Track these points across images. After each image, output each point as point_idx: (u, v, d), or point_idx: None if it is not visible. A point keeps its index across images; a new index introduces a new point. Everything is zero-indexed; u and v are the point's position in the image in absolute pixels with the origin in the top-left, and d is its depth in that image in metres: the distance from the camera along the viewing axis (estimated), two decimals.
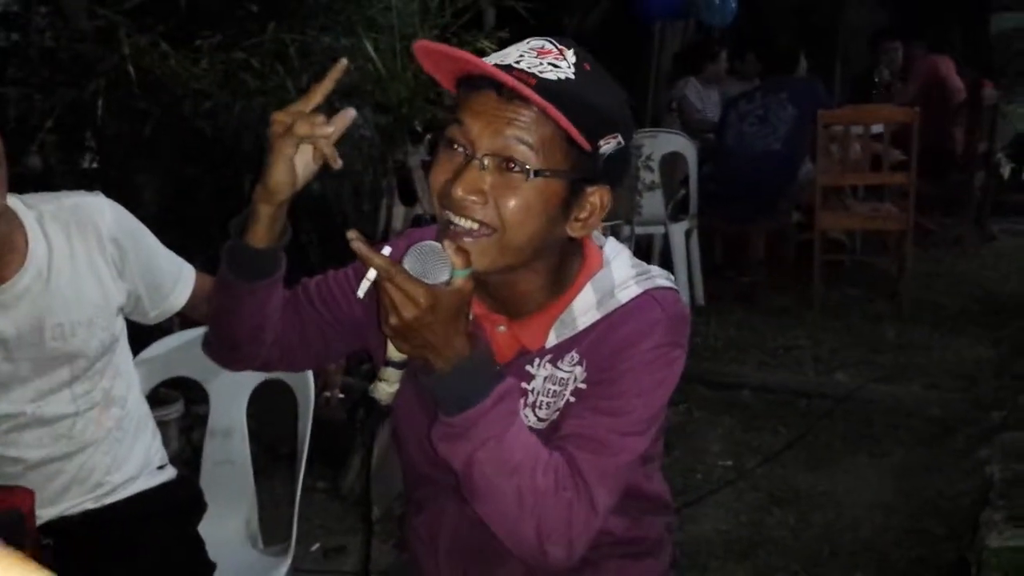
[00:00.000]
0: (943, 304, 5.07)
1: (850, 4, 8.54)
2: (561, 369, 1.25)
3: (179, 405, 2.92)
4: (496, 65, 1.13)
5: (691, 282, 5.07)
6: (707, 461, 3.43)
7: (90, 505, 1.75)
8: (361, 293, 1.13)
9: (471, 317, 1.20)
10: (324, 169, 1.24)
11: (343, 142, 1.23)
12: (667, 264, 5.10)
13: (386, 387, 1.20)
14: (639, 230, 4.84)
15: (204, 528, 1.89)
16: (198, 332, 2.05)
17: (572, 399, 1.24)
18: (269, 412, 2.39)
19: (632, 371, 1.21)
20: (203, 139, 3.10)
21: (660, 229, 5.06)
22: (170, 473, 1.89)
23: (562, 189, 1.16)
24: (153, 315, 1.84)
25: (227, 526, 2.05)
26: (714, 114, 6.04)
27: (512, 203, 1.13)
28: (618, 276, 1.26)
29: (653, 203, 4.84)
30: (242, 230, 1.24)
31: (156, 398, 2.89)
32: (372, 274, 1.10)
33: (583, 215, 1.20)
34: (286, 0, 3.20)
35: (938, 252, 6.01)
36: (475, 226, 1.14)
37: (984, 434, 3.46)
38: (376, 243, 1.17)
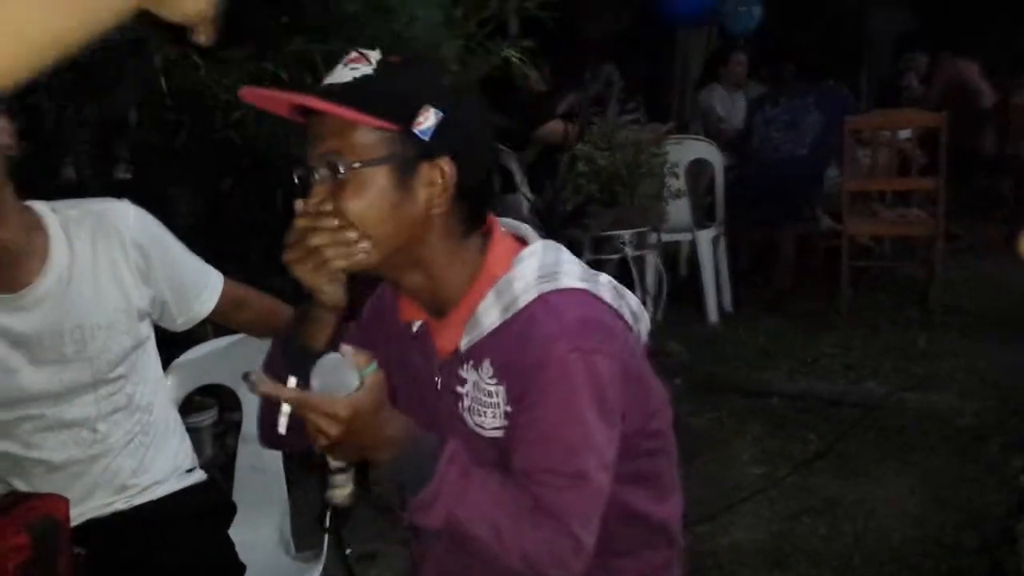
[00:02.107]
0: (973, 310, 5.01)
1: (876, 10, 8.49)
2: (483, 379, 1.26)
3: (213, 412, 2.94)
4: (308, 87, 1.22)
5: (719, 289, 5.05)
6: (737, 469, 3.40)
7: (120, 506, 1.76)
8: (282, 429, 1.16)
9: (421, 325, 1.30)
10: None
11: None
12: (695, 271, 5.10)
13: (341, 492, 1.23)
14: (666, 237, 4.83)
15: (237, 533, 1.90)
16: (231, 339, 2.09)
17: (506, 422, 1.25)
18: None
19: (549, 385, 1.19)
20: (233, 149, 3.13)
21: (687, 236, 5.04)
22: (199, 476, 1.90)
23: (390, 174, 1.20)
24: (180, 322, 1.85)
25: (260, 531, 2.07)
26: (740, 120, 6.03)
27: (348, 205, 1.19)
28: (520, 277, 1.25)
29: (679, 210, 4.82)
30: (299, 332, 1.29)
31: (190, 404, 2.92)
32: (286, 408, 1.15)
33: (428, 191, 1.22)
34: (313, 13, 3.23)
35: (966, 257, 5.93)
36: (346, 258, 1.20)
37: (1018, 443, 3.41)
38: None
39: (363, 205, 1.19)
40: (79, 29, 0.63)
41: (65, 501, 1.56)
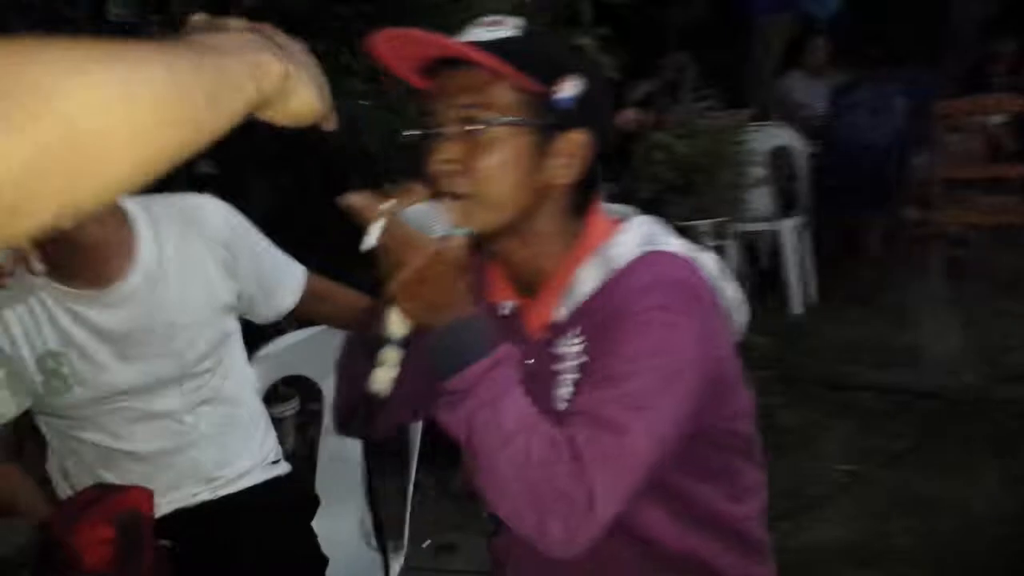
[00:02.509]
0: None
1: None
2: (568, 345, 1.22)
3: (295, 402, 2.97)
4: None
5: (804, 280, 4.93)
6: (825, 466, 3.31)
7: (206, 496, 1.77)
8: (374, 240, 1.10)
9: (512, 306, 1.27)
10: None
11: None
12: (777, 261, 4.98)
13: (385, 372, 1.19)
14: (747, 227, 4.72)
15: (320, 524, 1.90)
16: (312, 331, 2.10)
17: (580, 375, 1.19)
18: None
19: (624, 334, 1.14)
20: (311, 142, 3.15)
21: (769, 226, 4.93)
22: (284, 468, 1.91)
23: (528, 137, 1.18)
24: (266, 314, 1.86)
25: (342, 523, 2.06)
26: (822, 106, 5.87)
27: (483, 161, 1.17)
28: (623, 242, 1.22)
29: (761, 199, 4.71)
30: (378, 321, 1.24)
31: (274, 395, 2.95)
32: (377, 226, 1.10)
33: (560, 161, 1.20)
34: (392, 3, 3.23)
35: None
36: (456, 198, 1.17)
37: None
38: None
39: (496, 163, 1.17)
40: (194, 140, 0.63)
41: (149, 493, 1.57)
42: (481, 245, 1.21)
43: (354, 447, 2.12)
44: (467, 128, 1.17)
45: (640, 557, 1.26)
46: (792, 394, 3.84)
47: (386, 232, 1.10)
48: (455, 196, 1.17)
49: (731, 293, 1.27)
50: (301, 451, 2.80)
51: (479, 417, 1.10)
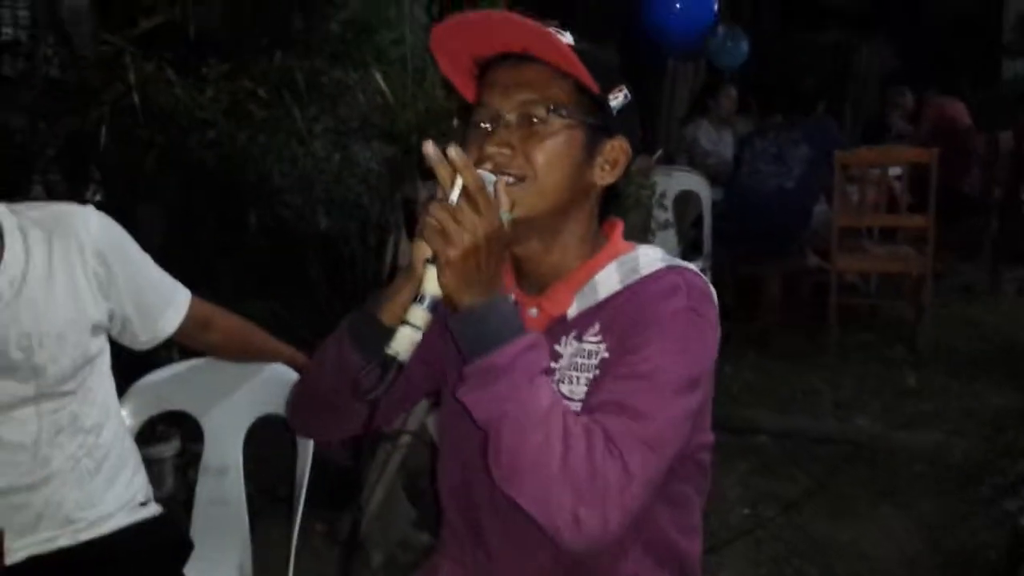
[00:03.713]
0: (962, 349, 4.97)
1: (861, 48, 8.55)
2: (587, 343, 1.24)
3: (175, 442, 2.83)
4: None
5: None
6: (724, 509, 3.29)
7: (64, 542, 1.64)
8: (455, 198, 1.09)
9: (513, 301, 1.22)
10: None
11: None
12: None
13: (410, 334, 1.13)
14: None
15: (194, 570, 1.79)
16: (193, 363, 1.99)
17: (598, 372, 1.22)
18: (266, 451, 2.29)
19: (654, 333, 1.18)
20: (207, 170, 3.04)
21: None
22: (153, 510, 1.79)
23: (582, 136, 1.23)
24: (143, 339, 1.74)
25: (218, 569, 1.94)
26: (728, 153, 5.99)
27: (539, 151, 1.21)
28: (646, 256, 1.28)
29: (666, 242, 4.74)
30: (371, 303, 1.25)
31: (152, 434, 2.80)
32: (459, 183, 1.09)
33: (606, 164, 1.27)
34: (295, 31, 3.16)
35: (953, 296, 5.90)
36: (509, 178, 1.19)
37: (1010, 484, 3.33)
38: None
39: (551, 156, 1.21)
40: None
41: (1, 534, 1.44)
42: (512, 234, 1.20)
43: (236, 489, 2.01)
44: (532, 119, 1.21)
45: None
46: None
47: (463, 192, 1.09)
48: (511, 175, 1.20)
49: None
50: (180, 494, 2.66)
51: (515, 396, 1.10)
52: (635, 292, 1.23)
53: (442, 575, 1.38)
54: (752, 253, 5.19)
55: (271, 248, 3.22)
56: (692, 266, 1.27)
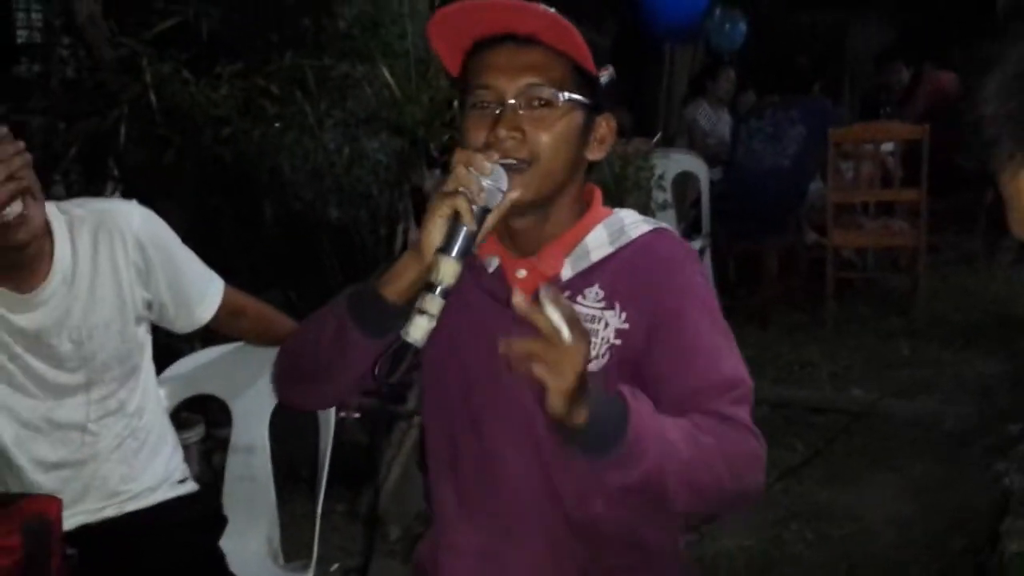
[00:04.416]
0: (956, 320, 5.05)
1: (857, 26, 8.60)
2: (585, 305, 1.30)
3: (200, 428, 2.93)
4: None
5: None
6: None
7: (110, 512, 1.77)
8: (567, 334, 1.02)
9: (498, 264, 1.32)
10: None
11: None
12: None
13: (424, 322, 1.14)
14: None
15: (226, 543, 1.90)
16: (222, 350, 2.09)
17: (617, 342, 1.28)
18: (290, 433, 2.41)
19: (684, 316, 1.28)
20: (222, 167, 3.16)
21: None
22: (190, 487, 1.91)
23: (581, 116, 1.28)
24: (180, 325, 1.86)
25: (249, 542, 2.05)
26: (726, 134, 6.08)
27: (546, 134, 1.25)
28: (627, 218, 1.36)
29: (666, 222, 4.83)
30: (375, 282, 1.25)
31: (177, 421, 2.91)
32: (558, 318, 1.01)
33: (597, 141, 1.32)
34: (304, 29, 3.27)
35: (948, 269, 5.99)
36: (515, 162, 1.23)
37: (1000, 446, 3.45)
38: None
39: (558, 139, 1.25)
40: None
41: (57, 501, 1.57)
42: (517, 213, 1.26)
43: (263, 466, 2.12)
44: (538, 101, 1.24)
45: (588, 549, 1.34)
46: None
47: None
48: (518, 161, 1.23)
49: None
50: (206, 478, 2.78)
51: (663, 452, 1.14)
52: (634, 260, 1.31)
53: (449, 537, 1.41)
54: (750, 231, 5.30)
55: (285, 238, 3.35)
56: (666, 224, 1.39)
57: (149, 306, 1.80)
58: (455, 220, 1.18)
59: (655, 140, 5.33)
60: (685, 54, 7.44)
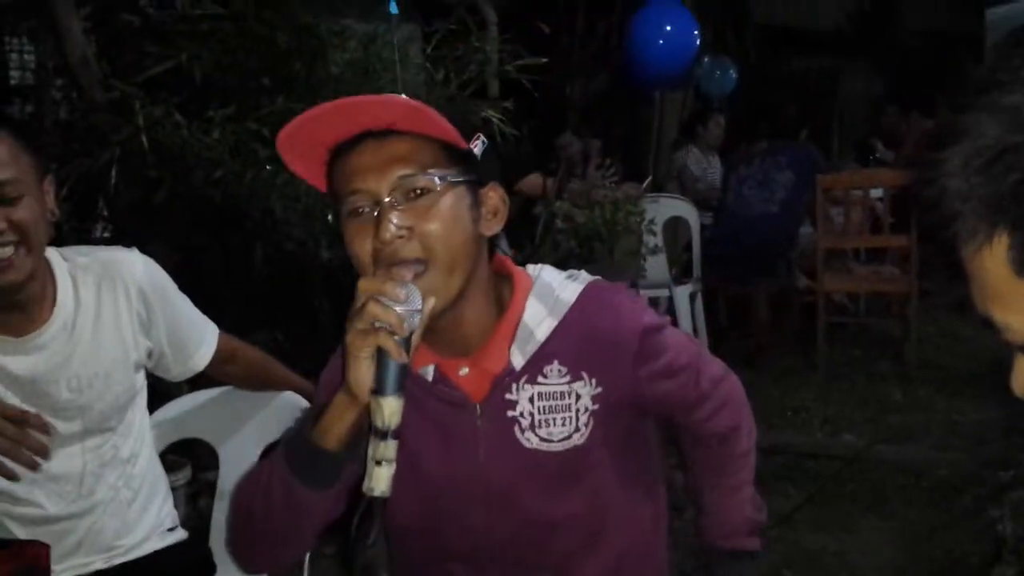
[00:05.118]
0: (948, 365, 5.06)
1: (848, 74, 8.72)
2: (548, 384, 1.27)
3: (187, 471, 2.91)
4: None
5: None
6: None
7: (100, 566, 1.74)
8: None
9: (435, 369, 1.28)
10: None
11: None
12: (673, 325, 5.12)
13: (385, 472, 1.08)
14: (644, 293, 4.88)
15: None
16: (209, 393, 2.08)
17: (595, 407, 1.28)
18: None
19: (662, 358, 1.33)
20: (213, 207, 3.16)
21: (665, 292, 5.09)
22: (180, 535, 1.88)
23: (465, 193, 1.21)
24: (175, 373, 1.85)
25: None
26: (716, 179, 6.13)
27: (433, 223, 1.17)
28: (552, 281, 1.32)
29: (657, 266, 4.88)
30: (309, 435, 1.17)
31: (164, 464, 2.88)
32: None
33: (490, 212, 1.25)
34: (296, 73, 3.29)
35: (938, 314, 6.00)
36: (413, 263, 1.16)
37: (993, 494, 3.43)
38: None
39: (446, 223, 1.17)
40: None
41: (46, 548, 1.53)
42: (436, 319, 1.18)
43: None
44: (415, 192, 1.16)
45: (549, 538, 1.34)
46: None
47: None
48: (415, 262, 1.16)
49: None
50: (192, 522, 2.75)
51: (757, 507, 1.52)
52: (579, 319, 1.27)
53: None
54: (741, 275, 5.32)
55: (275, 279, 3.34)
56: (581, 271, 1.36)
57: (149, 354, 1.79)
58: (380, 355, 1.09)
59: (645, 185, 5.37)
60: (675, 100, 7.53)
